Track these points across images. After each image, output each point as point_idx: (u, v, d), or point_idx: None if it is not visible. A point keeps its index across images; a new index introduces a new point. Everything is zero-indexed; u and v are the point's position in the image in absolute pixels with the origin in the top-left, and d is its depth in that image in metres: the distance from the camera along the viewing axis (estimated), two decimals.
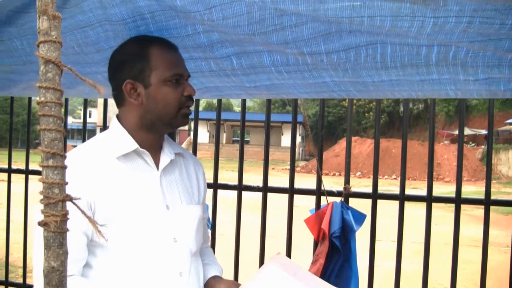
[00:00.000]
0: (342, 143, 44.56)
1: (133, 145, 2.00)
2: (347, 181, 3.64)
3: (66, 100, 4.54)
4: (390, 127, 58.93)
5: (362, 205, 3.48)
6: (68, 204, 1.04)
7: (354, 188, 3.66)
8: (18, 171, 5.10)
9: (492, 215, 3.50)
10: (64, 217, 1.00)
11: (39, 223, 1.00)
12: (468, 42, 1.64)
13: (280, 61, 2.12)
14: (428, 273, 3.60)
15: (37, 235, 1.86)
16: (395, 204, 3.65)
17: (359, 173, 38.14)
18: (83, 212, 1.06)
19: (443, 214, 13.44)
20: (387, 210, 5.80)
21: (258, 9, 1.74)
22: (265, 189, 3.96)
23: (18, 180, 5.02)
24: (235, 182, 4.12)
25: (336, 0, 1.53)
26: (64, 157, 1.01)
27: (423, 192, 3.72)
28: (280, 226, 4.26)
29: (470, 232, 10.87)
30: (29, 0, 1.91)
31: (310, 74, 2.20)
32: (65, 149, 3.77)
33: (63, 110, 4.46)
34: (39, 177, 1.02)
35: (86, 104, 4.52)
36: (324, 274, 3.25)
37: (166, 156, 2.11)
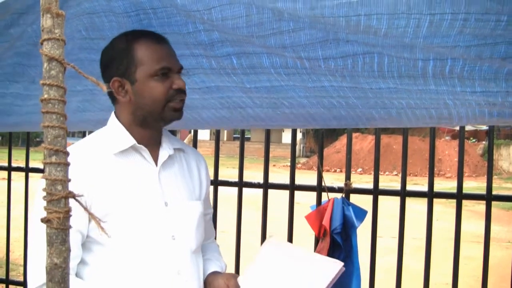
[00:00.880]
0: (343, 139, 44.47)
1: (130, 141, 1.99)
2: (348, 177, 3.64)
3: None
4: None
5: (363, 201, 3.48)
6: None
7: (355, 184, 3.66)
8: (18, 169, 5.10)
9: (493, 210, 3.50)
10: (67, 213, 1.01)
11: (42, 220, 1.01)
12: (465, 47, 1.63)
13: (279, 63, 2.12)
14: (429, 269, 3.61)
15: (33, 230, 1.86)
16: (396, 200, 3.66)
17: (360, 169, 38.07)
18: (85, 208, 1.06)
19: (444, 210, 13.43)
20: (388, 206, 5.80)
21: (257, 12, 1.74)
22: (266, 186, 3.97)
23: (18, 178, 5.03)
24: (235, 178, 4.13)
25: None
26: (67, 154, 1.01)
27: (424, 188, 3.72)
28: (281, 223, 4.26)
29: (471, 228, 10.85)
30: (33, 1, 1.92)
31: (309, 77, 2.20)
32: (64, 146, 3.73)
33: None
34: (41, 174, 1.02)
35: None
36: None
37: (165, 151, 2.10)
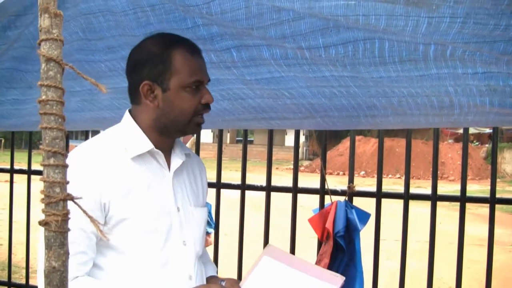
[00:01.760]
0: (346, 142, 44.43)
1: (148, 145, 1.97)
2: (351, 180, 3.63)
3: None
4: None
5: (367, 205, 3.46)
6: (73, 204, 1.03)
7: (358, 187, 3.65)
8: (21, 171, 5.10)
9: (496, 213, 3.48)
10: (65, 216, 0.99)
11: (40, 223, 0.99)
12: (463, 43, 1.63)
13: (279, 54, 2.10)
14: (433, 272, 3.59)
15: (41, 235, 1.85)
16: (400, 203, 3.64)
17: (363, 172, 38.04)
18: (84, 211, 1.04)
19: (447, 213, 13.41)
20: (392, 209, 5.79)
21: (256, 4, 1.74)
22: (269, 188, 3.96)
23: (21, 180, 5.03)
24: (238, 181, 4.11)
25: None
26: (66, 156, 1.00)
27: (427, 190, 3.71)
28: (284, 226, 4.24)
29: (475, 231, 10.83)
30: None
31: (310, 68, 2.19)
32: (67, 148, 3.76)
33: None
34: (39, 177, 1.01)
35: None
36: None
37: (177, 158, 2.08)
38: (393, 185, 25.74)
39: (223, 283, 2.15)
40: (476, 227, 11.51)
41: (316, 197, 3.80)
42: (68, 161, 1.81)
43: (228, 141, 57.87)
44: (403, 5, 1.49)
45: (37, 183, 0.97)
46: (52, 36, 0.97)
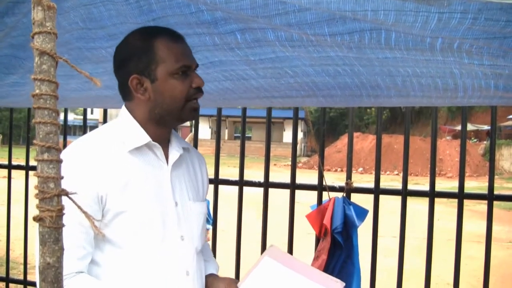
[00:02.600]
0: (344, 139, 44.52)
1: (145, 138, 1.96)
2: (349, 177, 3.62)
3: None
4: (392, 123, 58.96)
5: (364, 201, 3.46)
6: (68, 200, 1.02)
7: (356, 184, 3.64)
8: (18, 167, 5.09)
9: (494, 210, 3.47)
10: (60, 212, 0.98)
11: (34, 218, 0.98)
12: (473, 39, 1.62)
13: (285, 37, 2.09)
14: (431, 269, 3.59)
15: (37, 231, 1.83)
16: (397, 199, 3.64)
17: (361, 169, 38.09)
18: (79, 206, 1.03)
19: (445, 209, 13.42)
20: (389, 205, 5.79)
21: None
22: (267, 185, 3.95)
23: (19, 176, 5.01)
24: (236, 178, 4.11)
25: None
26: (60, 151, 0.99)
27: (425, 187, 3.70)
28: (282, 222, 4.24)
29: (472, 227, 10.85)
30: None
31: (315, 49, 2.18)
32: (65, 144, 3.76)
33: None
34: (33, 173, 1.00)
35: None
36: (327, 270, 3.24)
37: (175, 151, 2.07)
38: (391, 181, 25.80)
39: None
40: (474, 224, 11.53)
41: (314, 194, 3.79)
42: (64, 155, 1.80)
43: (226, 138, 57.95)
44: (413, 1, 1.48)
45: (35, 179, 0.96)
46: (45, 29, 0.96)
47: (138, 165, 1.94)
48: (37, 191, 0.98)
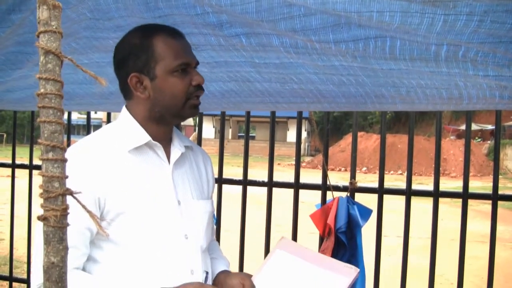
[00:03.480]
0: (348, 138, 44.47)
1: (145, 137, 1.95)
2: (353, 176, 3.62)
3: None
4: (396, 123, 58.87)
5: (368, 201, 3.45)
6: (71, 199, 1.02)
7: (360, 183, 3.64)
8: (22, 166, 5.10)
9: (498, 210, 3.47)
10: (64, 211, 0.98)
11: (39, 218, 0.98)
12: (479, 43, 1.61)
13: (289, 43, 2.09)
14: (434, 269, 3.58)
15: (36, 228, 1.83)
16: (401, 199, 3.63)
17: (364, 168, 38.02)
18: (83, 206, 1.03)
19: (449, 209, 13.41)
20: (394, 205, 5.78)
21: None
22: (271, 184, 3.95)
23: (23, 175, 5.02)
24: (240, 177, 4.11)
25: None
26: (65, 150, 0.99)
27: (429, 187, 3.70)
28: (286, 222, 4.24)
29: (477, 227, 10.82)
30: None
31: (319, 57, 2.18)
32: (68, 143, 3.76)
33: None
34: (38, 172, 1.00)
35: None
36: None
37: (176, 149, 2.06)
38: (395, 181, 25.76)
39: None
40: (478, 224, 11.51)
41: (317, 193, 3.79)
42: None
43: (230, 137, 57.91)
44: (419, 3, 1.47)
45: (39, 178, 0.96)
46: (50, 28, 0.96)
47: (139, 165, 1.94)
48: (41, 190, 0.98)
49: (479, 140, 46.35)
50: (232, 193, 4.93)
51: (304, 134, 55.57)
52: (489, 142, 42.59)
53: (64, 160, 0.98)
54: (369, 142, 42.88)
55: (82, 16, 2.16)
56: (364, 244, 3.25)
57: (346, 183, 3.62)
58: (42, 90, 0.96)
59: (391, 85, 2.40)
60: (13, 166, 5.09)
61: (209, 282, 2.10)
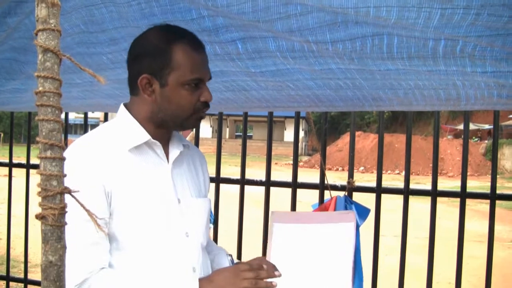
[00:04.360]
0: (345, 138, 44.57)
1: (145, 136, 1.93)
2: (351, 175, 3.62)
3: None
4: (393, 122, 58.92)
5: (366, 200, 3.45)
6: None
7: (357, 183, 3.63)
8: (19, 165, 5.09)
9: (496, 210, 3.46)
10: (62, 210, 0.98)
11: (37, 216, 0.98)
12: (476, 36, 1.61)
13: (286, 47, 2.08)
14: (433, 268, 3.58)
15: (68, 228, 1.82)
16: (399, 198, 3.63)
17: (362, 168, 38.06)
18: (82, 205, 1.03)
19: (446, 209, 13.41)
20: (391, 205, 5.78)
21: None
22: (268, 183, 3.95)
23: (20, 174, 5.01)
24: (238, 176, 4.10)
25: None
26: (63, 148, 0.98)
27: (426, 186, 3.69)
28: None
29: (474, 227, 10.84)
30: None
31: (316, 61, 2.17)
32: (66, 143, 3.77)
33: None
34: (36, 170, 0.99)
35: None
36: None
37: (175, 148, 2.05)
38: (392, 180, 25.78)
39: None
40: (475, 224, 11.53)
41: (315, 193, 3.78)
42: (68, 155, 1.79)
43: (227, 136, 57.94)
44: None
45: (36, 177, 0.95)
46: (49, 26, 0.95)
47: (139, 164, 1.92)
48: (39, 189, 0.97)
49: (477, 139, 46.44)
50: (229, 192, 4.93)
51: (301, 134, 55.60)
52: (486, 141, 42.68)
53: (63, 159, 0.98)
54: (366, 141, 42.94)
55: (76, 29, 2.15)
56: (362, 243, 3.25)
57: (344, 182, 3.61)
58: (40, 88, 0.95)
59: (388, 87, 2.40)
60: (10, 165, 5.08)
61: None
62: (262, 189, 3.99)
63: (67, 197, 1.00)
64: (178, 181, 2.04)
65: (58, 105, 0.96)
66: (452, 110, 2.88)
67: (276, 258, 2.09)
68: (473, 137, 46.51)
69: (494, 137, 3.56)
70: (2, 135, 43.81)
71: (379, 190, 3.66)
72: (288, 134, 56.19)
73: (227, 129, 59.82)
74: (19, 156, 5.65)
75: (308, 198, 4.11)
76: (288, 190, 3.91)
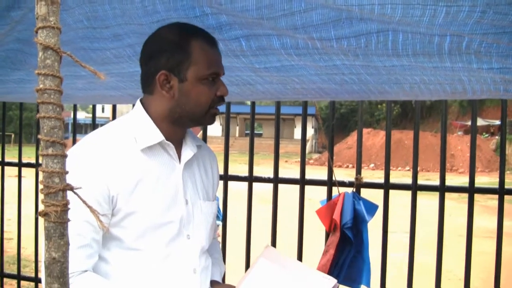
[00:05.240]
0: (355, 135, 44.15)
1: (159, 136, 1.93)
2: (358, 171, 3.61)
3: None
4: (403, 119, 58.76)
5: (374, 197, 3.44)
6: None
7: (367, 180, 3.63)
8: (29, 165, 5.11)
9: (504, 205, 3.45)
10: (65, 206, 0.98)
11: (40, 213, 0.98)
12: (482, 34, 1.60)
13: (290, 44, 2.07)
14: (441, 263, 3.58)
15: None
16: (408, 195, 3.62)
17: (372, 165, 37.91)
18: (84, 201, 1.03)
19: (456, 205, 13.37)
20: (400, 201, 5.76)
21: None
22: (276, 180, 3.94)
23: (29, 175, 5.03)
24: (247, 174, 4.10)
25: None
26: (65, 145, 0.99)
27: (436, 182, 3.68)
28: (292, 219, 4.24)
29: (483, 223, 10.78)
30: None
31: (320, 57, 2.17)
32: (74, 142, 3.78)
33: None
34: (38, 168, 1.00)
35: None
36: (336, 265, 3.24)
37: (189, 149, 2.05)
38: (402, 177, 25.72)
39: None
40: (485, 219, 11.47)
41: (324, 190, 3.78)
42: (75, 152, 1.79)
43: (237, 135, 57.99)
44: None
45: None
46: (49, 24, 0.95)
47: (151, 165, 1.92)
48: (42, 186, 0.98)
49: (487, 135, 46.20)
50: (238, 190, 4.93)
51: (311, 131, 55.54)
52: (497, 137, 42.45)
53: (64, 156, 0.98)
54: (376, 138, 42.84)
55: (79, 24, 2.15)
56: (370, 239, 3.24)
57: (353, 179, 3.61)
58: (41, 86, 0.96)
59: (394, 82, 2.39)
60: (20, 165, 5.10)
61: None
62: (270, 186, 3.99)
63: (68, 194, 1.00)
64: (188, 182, 2.04)
65: (59, 103, 0.97)
66: (459, 99, 2.87)
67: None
68: (484, 133, 46.30)
69: (502, 131, 3.54)
70: (13, 135, 44.03)
71: (387, 186, 3.65)
72: (298, 132, 56.02)
73: (237, 128, 59.84)
74: (30, 156, 5.66)
75: (316, 195, 4.10)
76: (297, 188, 3.90)
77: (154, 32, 1.97)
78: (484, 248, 8.37)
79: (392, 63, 2.08)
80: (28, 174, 5.08)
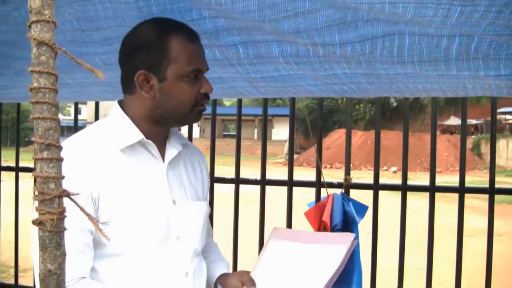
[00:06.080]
0: (333, 135, 44.63)
1: (138, 135, 1.86)
2: (347, 172, 3.58)
3: None
4: (381, 119, 59.16)
5: (361, 198, 3.41)
6: (68, 200, 0.95)
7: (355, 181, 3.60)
8: (8, 168, 5.01)
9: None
10: (61, 214, 0.91)
11: (34, 222, 0.91)
12: (495, 35, 1.56)
13: (290, 51, 2.02)
14: (432, 264, 3.56)
15: (35, 234, 1.76)
16: (397, 195, 3.60)
17: (350, 165, 38.14)
18: (81, 208, 0.97)
19: (441, 205, 13.42)
20: (387, 203, 5.75)
21: None
22: (263, 182, 3.90)
23: (8, 178, 4.93)
24: (229, 175, 4.05)
25: None
26: (60, 148, 0.92)
27: (416, 182, 3.67)
28: (278, 221, 4.19)
29: (469, 222, 10.85)
30: None
31: (321, 66, 2.12)
32: None
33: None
34: (31, 173, 0.93)
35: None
36: None
37: (173, 148, 1.98)
38: (381, 177, 25.89)
39: (220, 287, 2.08)
40: (471, 219, 11.54)
41: (310, 192, 3.74)
42: None
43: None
44: None
45: (25, 181, 0.90)
46: (43, 17, 0.89)
47: (131, 164, 1.86)
48: (36, 193, 0.91)
49: None
50: (222, 193, 4.87)
51: (287, 133, 55.64)
52: (473, 136, 42.92)
53: (60, 159, 0.92)
54: (354, 138, 42.97)
55: (68, 25, 2.07)
56: (360, 241, 3.21)
57: (334, 180, 3.58)
58: (35, 84, 0.89)
59: (395, 90, 2.36)
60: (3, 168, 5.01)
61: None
62: (256, 188, 3.93)
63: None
64: (174, 181, 1.97)
65: (54, 102, 0.90)
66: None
67: (260, 274, 2.06)
68: (458, 132, 46.76)
69: (492, 129, 3.55)
70: None
71: (376, 187, 3.62)
72: (276, 133, 56.24)
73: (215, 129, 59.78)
74: (7, 160, 5.56)
75: (302, 197, 4.05)
76: (282, 189, 3.86)
77: (132, 29, 1.91)
78: (471, 247, 8.41)
79: (396, 71, 2.04)
80: (6, 177, 4.98)
